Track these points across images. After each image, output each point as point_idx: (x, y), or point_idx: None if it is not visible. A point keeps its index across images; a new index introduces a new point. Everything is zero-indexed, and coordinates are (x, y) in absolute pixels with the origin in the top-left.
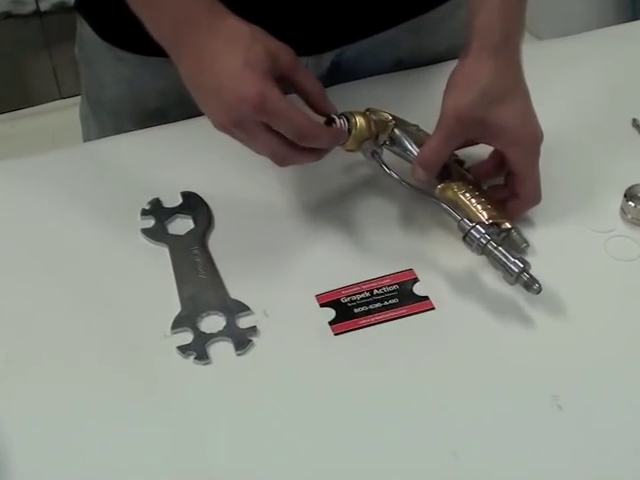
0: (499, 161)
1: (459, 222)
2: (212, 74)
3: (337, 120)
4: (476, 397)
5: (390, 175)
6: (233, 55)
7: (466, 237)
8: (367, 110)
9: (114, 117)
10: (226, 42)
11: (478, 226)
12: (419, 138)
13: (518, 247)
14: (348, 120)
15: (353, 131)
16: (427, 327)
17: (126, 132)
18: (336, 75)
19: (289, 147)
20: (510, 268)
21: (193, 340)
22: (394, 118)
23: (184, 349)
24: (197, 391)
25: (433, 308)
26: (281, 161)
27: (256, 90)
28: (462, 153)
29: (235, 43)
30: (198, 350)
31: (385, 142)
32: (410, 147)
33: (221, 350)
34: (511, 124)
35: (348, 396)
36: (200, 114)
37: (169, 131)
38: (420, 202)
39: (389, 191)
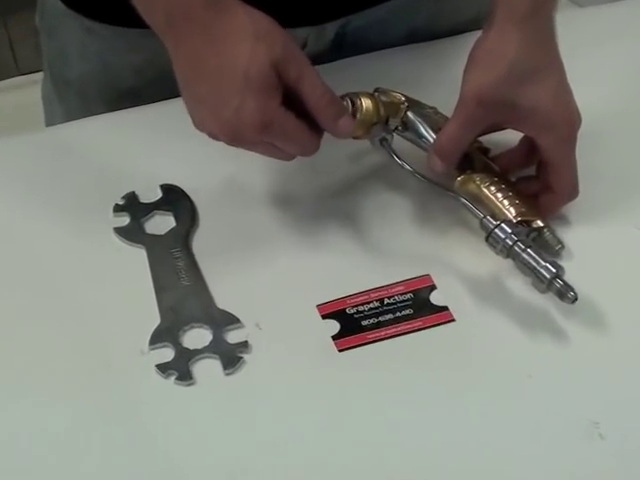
0: (529, 149)
1: (482, 220)
2: (208, 84)
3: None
4: (504, 423)
5: (402, 166)
6: (233, 66)
7: (489, 237)
8: (376, 90)
9: (81, 97)
10: (225, 46)
11: (504, 225)
12: (436, 123)
13: (551, 249)
14: (352, 102)
15: (358, 115)
16: (446, 342)
17: (96, 115)
18: (340, 49)
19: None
20: (541, 274)
21: (174, 357)
22: (407, 99)
23: (164, 368)
24: (179, 417)
25: (453, 320)
26: (283, 159)
27: (259, 114)
28: (486, 140)
29: (235, 49)
30: (180, 369)
31: (397, 127)
32: (425, 133)
33: (207, 369)
34: (542, 106)
35: (355, 424)
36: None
37: (146, 114)
38: (437, 196)
39: (401, 184)
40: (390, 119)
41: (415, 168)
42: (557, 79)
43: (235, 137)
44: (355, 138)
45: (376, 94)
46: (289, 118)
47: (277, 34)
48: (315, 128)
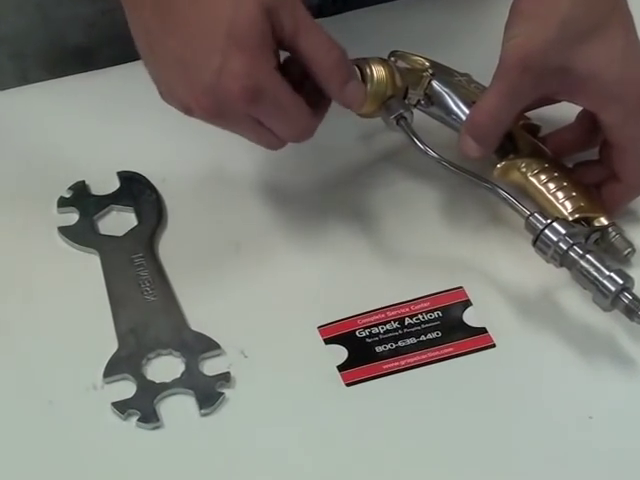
0: (590, 126)
1: (527, 219)
2: (180, 40)
3: None
4: (557, 475)
5: (425, 152)
6: (213, 15)
7: (538, 241)
8: (391, 54)
9: (17, 59)
10: None
11: (556, 224)
12: (470, 94)
13: (618, 254)
14: (361, 71)
15: (368, 87)
16: (484, 373)
17: (35, 82)
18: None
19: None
20: (604, 286)
21: (136, 393)
22: (432, 65)
23: (123, 406)
24: (142, 469)
25: (493, 345)
26: (270, 147)
27: (247, 78)
28: (535, 115)
29: None
30: (144, 408)
31: (418, 102)
32: (456, 108)
33: (178, 408)
34: (605, 72)
35: (366, 477)
36: None
37: (99, 80)
38: (470, 188)
39: (424, 171)
40: (410, 91)
41: (441, 154)
42: (624, 37)
43: (215, 109)
44: (364, 116)
45: (391, 59)
46: (284, 86)
47: None
48: (313, 106)
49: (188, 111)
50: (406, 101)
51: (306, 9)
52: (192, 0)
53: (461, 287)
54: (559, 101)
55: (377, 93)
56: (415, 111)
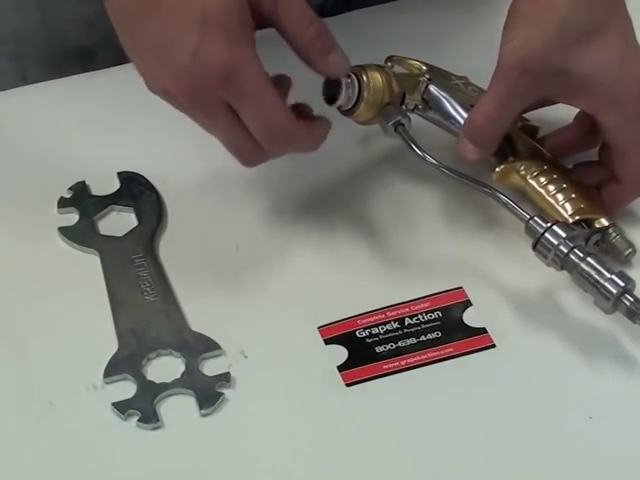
0: (589, 126)
1: (527, 222)
2: (156, 20)
3: (342, 80)
4: (557, 475)
5: (423, 158)
6: None
7: (538, 245)
8: (388, 59)
9: (16, 59)
10: None
11: (556, 227)
12: (468, 98)
13: (619, 254)
14: (357, 78)
15: (365, 94)
16: (484, 373)
17: (34, 82)
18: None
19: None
20: (605, 289)
21: (136, 393)
22: (430, 69)
23: (123, 407)
24: (142, 469)
25: (493, 345)
26: (246, 159)
27: (224, 56)
28: (534, 116)
29: None
30: (144, 408)
31: (416, 107)
32: (454, 112)
33: (178, 408)
34: (604, 74)
35: (367, 477)
36: None
37: (99, 81)
38: (470, 188)
39: (423, 173)
40: (407, 96)
41: (440, 158)
42: (623, 38)
43: (192, 91)
44: (362, 124)
45: (388, 64)
46: (260, 69)
47: None
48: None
49: (168, 95)
50: (404, 106)
51: None
52: None
53: (461, 287)
54: (556, 103)
55: (374, 101)
56: (413, 116)
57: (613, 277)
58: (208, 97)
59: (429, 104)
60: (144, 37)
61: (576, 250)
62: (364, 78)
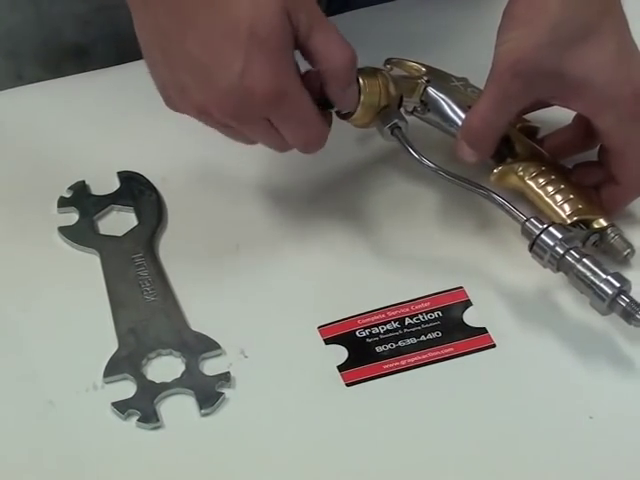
0: (587, 128)
1: (523, 224)
2: (201, 42)
3: None
4: (557, 475)
5: (420, 161)
6: (233, 16)
7: (534, 246)
8: (387, 62)
9: (11, 57)
10: None
11: (552, 229)
12: (467, 99)
13: (618, 255)
14: (356, 82)
15: (361, 98)
16: (484, 373)
17: (30, 80)
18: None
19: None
20: (601, 290)
21: (136, 393)
22: (428, 71)
23: (123, 406)
24: (141, 469)
25: (493, 345)
26: (282, 150)
27: (272, 81)
28: (533, 116)
29: None
30: (144, 408)
31: (415, 109)
32: (452, 114)
33: (178, 408)
34: (598, 76)
35: (367, 477)
36: (140, 51)
37: (99, 80)
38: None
39: (425, 172)
40: (405, 99)
41: (438, 162)
42: (617, 40)
43: (235, 111)
44: (360, 127)
45: (387, 67)
46: (304, 92)
47: None
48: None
49: (203, 115)
50: (402, 109)
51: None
52: (208, 1)
53: (461, 287)
54: (551, 105)
55: (371, 104)
56: (411, 117)
57: (609, 278)
58: (250, 115)
59: (427, 106)
60: (181, 57)
61: (572, 251)
62: (360, 82)
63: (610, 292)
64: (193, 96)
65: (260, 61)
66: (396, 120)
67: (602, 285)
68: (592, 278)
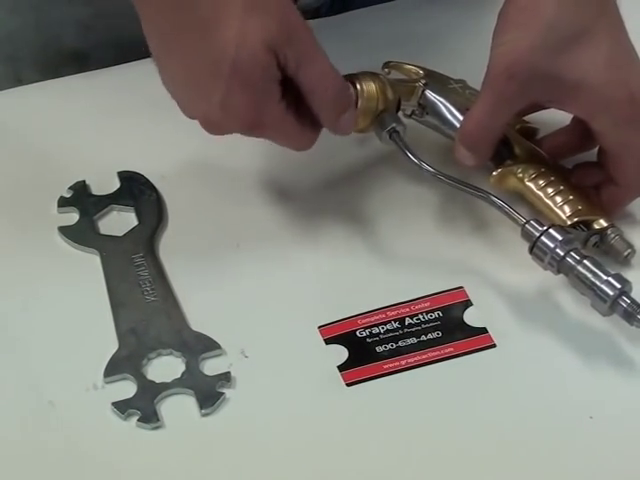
0: (585, 129)
1: (523, 227)
2: (184, 66)
3: None
4: (557, 475)
5: (419, 166)
6: (217, 47)
7: (534, 248)
8: (385, 65)
9: (11, 61)
10: (205, 16)
11: (552, 231)
12: (465, 102)
13: (618, 255)
14: (353, 86)
15: (359, 103)
16: (484, 373)
17: (30, 83)
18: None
19: None
20: (602, 291)
21: (137, 393)
22: (426, 74)
23: (123, 406)
24: (142, 469)
25: (493, 345)
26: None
27: (250, 113)
28: (532, 117)
29: (220, 22)
30: (144, 408)
31: (413, 112)
32: (450, 117)
33: (178, 408)
34: (593, 78)
35: (367, 477)
36: (139, 57)
37: (97, 81)
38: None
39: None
40: (403, 102)
41: (436, 164)
42: (612, 42)
43: (221, 132)
44: (358, 132)
45: (385, 71)
46: (286, 118)
47: (273, 2)
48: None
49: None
50: (400, 112)
51: (311, 32)
52: (196, 26)
53: (461, 287)
54: (547, 107)
55: (368, 109)
56: (409, 120)
57: (609, 279)
58: (230, 132)
59: (425, 109)
60: (167, 74)
61: (572, 253)
62: (358, 87)
63: (611, 293)
64: (186, 108)
65: (239, 95)
66: (394, 124)
67: (603, 286)
68: (593, 280)
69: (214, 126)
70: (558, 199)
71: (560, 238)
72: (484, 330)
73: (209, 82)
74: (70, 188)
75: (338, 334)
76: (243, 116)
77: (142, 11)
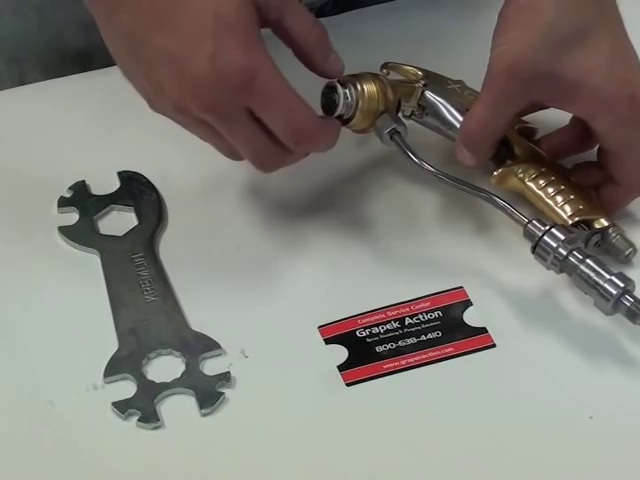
0: (585, 129)
1: (525, 226)
2: (166, 33)
3: (339, 89)
4: (557, 474)
5: (420, 166)
6: (199, 2)
7: (537, 248)
8: (384, 66)
9: (14, 62)
10: None
11: (554, 230)
12: (464, 102)
13: (620, 254)
14: (354, 87)
15: (360, 104)
16: (484, 373)
17: (33, 83)
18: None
19: (279, 145)
20: (605, 290)
21: (137, 393)
22: (426, 75)
23: (123, 406)
24: (142, 469)
25: (493, 345)
26: (265, 165)
27: (244, 59)
28: (532, 117)
29: None
30: (144, 408)
31: (413, 113)
32: (450, 117)
33: (178, 408)
34: (593, 78)
35: (367, 477)
36: None
37: (98, 80)
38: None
39: (425, 174)
40: (403, 103)
41: (437, 165)
42: (612, 42)
43: (211, 101)
44: (359, 132)
45: (384, 72)
46: (279, 73)
47: None
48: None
49: (180, 112)
50: (400, 113)
51: None
52: None
53: (461, 287)
54: (547, 107)
55: (369, 109)
56: (409, 121)
57: (612, 278)
58: (228, 104)
59: (425, 110)
60: (152, 53)
61: (575, 252)
62: (358, 87)
63: (615, 292)
64: (169, 93)
65: (229, 43)
66: (395, 125)
67: (606, 285)
68: (596, 279)
69: (207, 91)
70: (559, 199)
71: (563, 237)
72: (484, 330)
73: (196, 39)
74: (70, 188)
75: (338, 334)
76: (237, 63)
77: (102, 11)
